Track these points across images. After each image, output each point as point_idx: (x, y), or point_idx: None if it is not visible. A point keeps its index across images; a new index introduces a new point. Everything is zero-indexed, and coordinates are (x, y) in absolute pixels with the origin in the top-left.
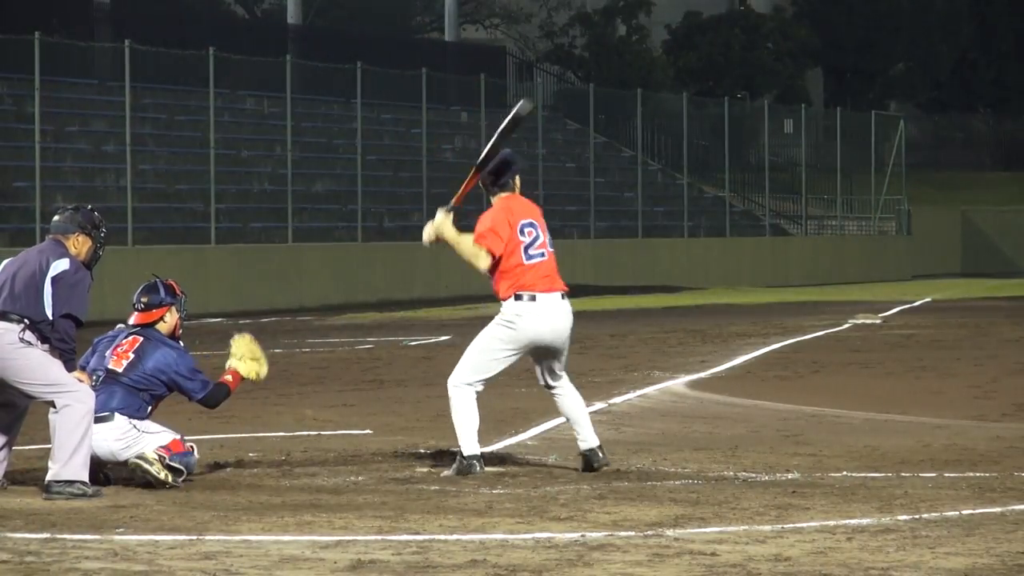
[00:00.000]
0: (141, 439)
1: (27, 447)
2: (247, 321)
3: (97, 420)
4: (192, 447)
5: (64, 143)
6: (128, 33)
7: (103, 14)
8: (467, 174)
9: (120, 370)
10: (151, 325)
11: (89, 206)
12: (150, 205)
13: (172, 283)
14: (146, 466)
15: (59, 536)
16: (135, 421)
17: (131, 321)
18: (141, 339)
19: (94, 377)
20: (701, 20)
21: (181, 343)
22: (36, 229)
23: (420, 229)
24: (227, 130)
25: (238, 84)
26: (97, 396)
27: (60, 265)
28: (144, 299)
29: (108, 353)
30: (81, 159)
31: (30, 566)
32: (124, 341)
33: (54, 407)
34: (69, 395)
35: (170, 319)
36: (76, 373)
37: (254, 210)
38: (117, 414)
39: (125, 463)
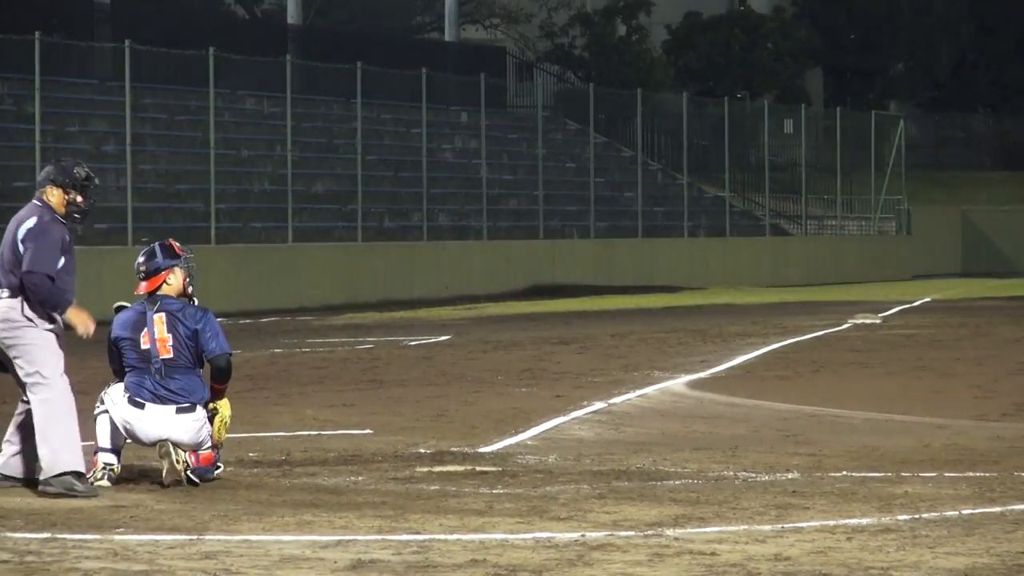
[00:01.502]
0: (208, 439)
1: None
2: (247, 321)
3: (180, 411)
4: (220, 466)
5: (64, 143)
6: (128, 33)
7: (103, 14)
8: (467, 174)
9: (172, 356)
10: (156, 291)
11: (76, 161)
12: (150, 205)
13: (172, 243)
14: (173, 455)
15: (59, 536)
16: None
17: (138, 292)
18: (165, 315)
19: (153, 369)
20: (701, 20)
21: (195, 301)
22: None
23: (420, 229)
24: (227, 130)
25: (238, 84)
26: (164, 386)
27: (26, 224)
28: (143, 267)
29: (150, 345)
30: (81, 159)
31: (30, 566)
32: (154, 324)
33: (26, 397)
34: (45, 388)
35: (174, 281)
36: (71, 312)
37: (254, 210)
38: (199, 406)
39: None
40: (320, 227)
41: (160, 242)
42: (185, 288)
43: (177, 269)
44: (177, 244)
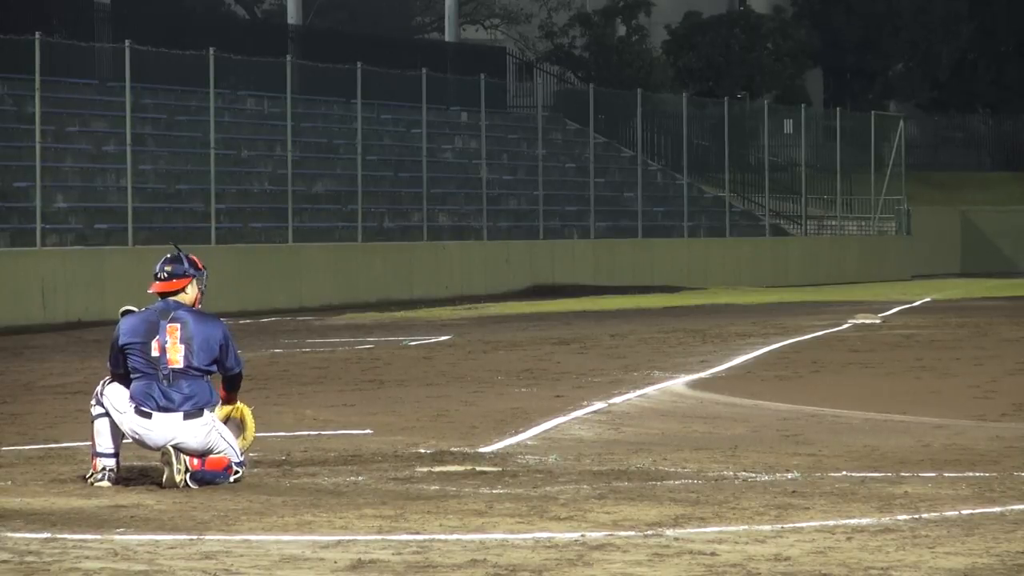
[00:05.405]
0: (219, 443)
1: (27, 447)
2: (247, 321)
3: (188, 417)
4: (236, 473)
5: (64, 143)
6: (128, 33)
7: (103, 14)
8: (467, 174)
9: (182, 366)
10: (172, 294)
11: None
12: (150, 205)
13: (194, 258)
14: (175, 463)
15: (59, 536)
16: (215, 417)
17: (151, 291)
18: (179, 325)
19: (161, 376)
20: (701, 20)
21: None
22: (36, 229)
23: (420, 229)
24: (227, 130)
25: (238, 84)
26: (171, 393)
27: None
28: (168, 268)
29: (160, 354)
30: (81, 159)
31: (30, 566)
32: (166, 334)
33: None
34: None
35: (191, 291)
36: None
37: (254, 210)
38: (206, 410)
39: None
40: (320, 227)
41: (184, 253)
42: (197, 303)
43: (195, 281)
44: (199, 260)
